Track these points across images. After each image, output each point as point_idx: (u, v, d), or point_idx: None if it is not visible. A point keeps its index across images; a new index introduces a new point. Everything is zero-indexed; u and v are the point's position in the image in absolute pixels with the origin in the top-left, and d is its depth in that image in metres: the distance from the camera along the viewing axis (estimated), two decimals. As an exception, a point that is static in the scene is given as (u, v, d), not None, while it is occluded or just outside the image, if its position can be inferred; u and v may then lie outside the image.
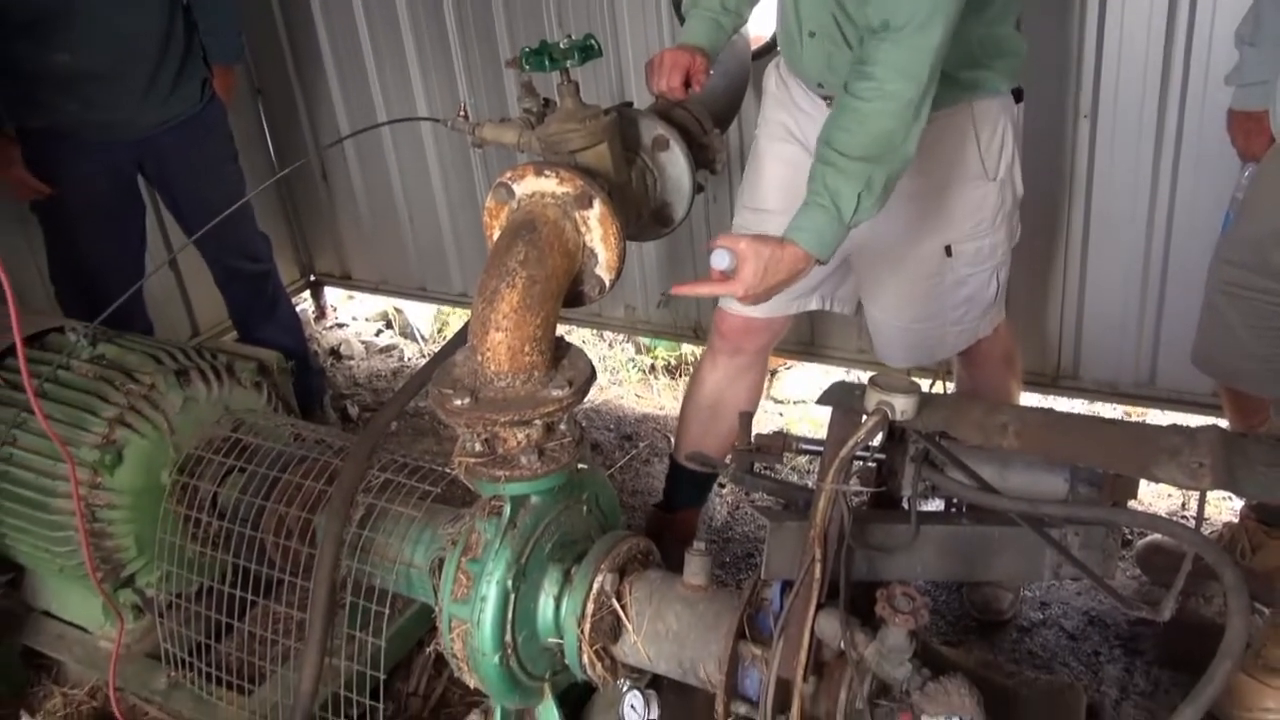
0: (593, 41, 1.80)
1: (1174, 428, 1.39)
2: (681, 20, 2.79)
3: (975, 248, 2.04)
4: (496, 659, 1.64)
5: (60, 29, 2.54)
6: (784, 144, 2.09)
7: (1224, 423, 2.19)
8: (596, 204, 1.64)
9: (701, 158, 1.98)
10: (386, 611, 1.77)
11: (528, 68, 1.77)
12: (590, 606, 1.65)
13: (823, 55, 1.89)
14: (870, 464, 1.52)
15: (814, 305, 2.23)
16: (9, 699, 2.25)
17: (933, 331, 2.17)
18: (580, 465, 1.72)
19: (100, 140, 2.73)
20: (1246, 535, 2.16)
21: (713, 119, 2.04)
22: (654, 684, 1.79)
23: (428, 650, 2.13)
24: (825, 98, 1.95)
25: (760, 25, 2.67)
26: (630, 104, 2.06)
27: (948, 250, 2.03)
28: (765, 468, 1.56)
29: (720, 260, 1.62)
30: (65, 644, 2.24)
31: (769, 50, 2.75)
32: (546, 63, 1.75)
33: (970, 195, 2.00)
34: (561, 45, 1.76)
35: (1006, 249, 2.10)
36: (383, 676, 1.81)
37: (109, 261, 2.84)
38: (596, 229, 1.66)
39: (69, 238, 2.81)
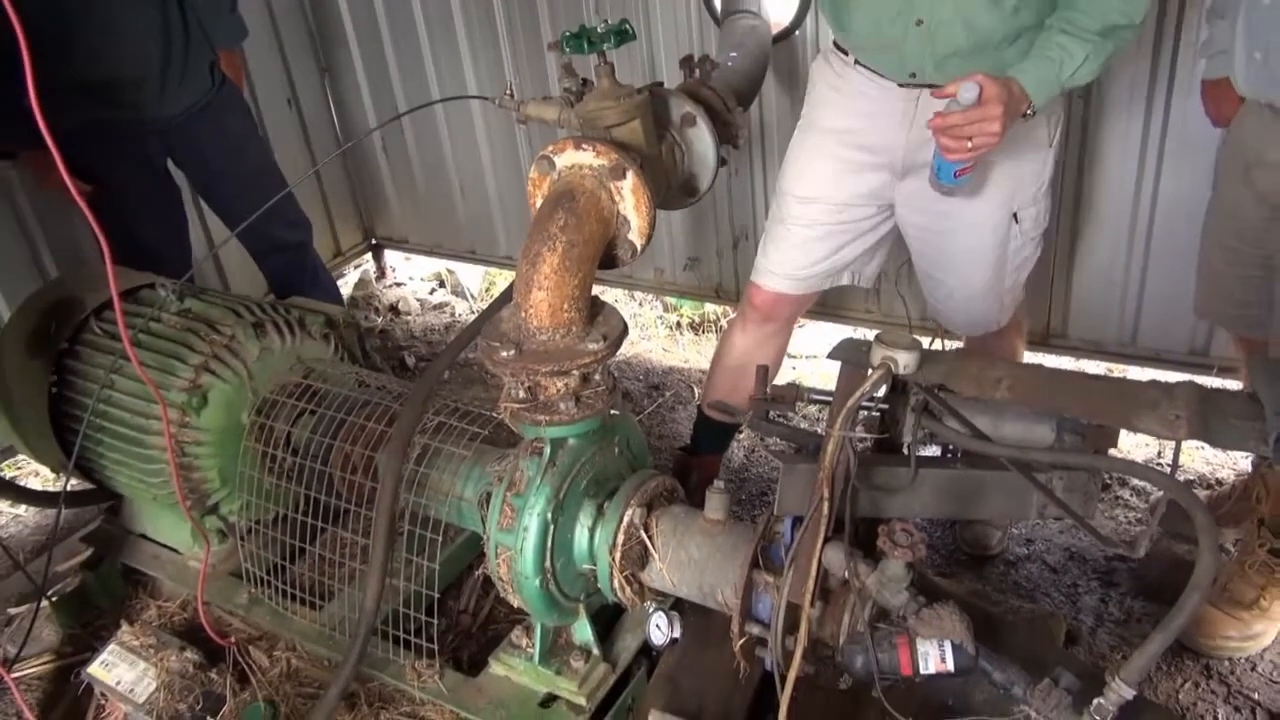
0: (627, 26, 1.78)
1: (1153, 383, 1.38)
2: (713, 15, 2.74)
3: (1034, 213, 2.01)
4: (537, 582, 1.67)
5: (74, 40, 2.43)
6: (834, 137, 2.02)
7: (1199, 379, 2.16)
8: (630, 175, 1.62)
9: (725, 134, 1.96)
10: (440, 539, 1.79)
11: (568, 50, 1.75)
12: (621, 537, 1.66)
13: (928, 43, 1.78)
14: (875, 413, 1.51)
15: (845, 280, 2.18)
16: (111, 610, 2.31)
17: (995, 299, 2.12)
18: (613, 411, 1.72)
19: (129, 135, 2.62)
20: (1263, 481, 2.12)
21: (735, 98, 2.02)
22: (677, 606, 1.80)
23: (476, 573, 2.18)
24: (914, 86, 1.86)
25: (779, 11, 2.62)
26: (661, 84, 2.03)
27: (1015, 217, 1.99)
28: (780, 416, 1.55)
29: (969, 93, 1.61)
30: (159, 563, 2.30)
31: (789, 34, 2.71)
32: (585, 46, 1.73)
33: (1034, 161, 1.95)
34: (599, 29, 1.73)
35: (1050, 214, 2.07)
36: (436, 596, 1.84)
37: (158, 244, 2.75)
38: (629, 198, 1.65)
39: (118, 226, 2.71)
